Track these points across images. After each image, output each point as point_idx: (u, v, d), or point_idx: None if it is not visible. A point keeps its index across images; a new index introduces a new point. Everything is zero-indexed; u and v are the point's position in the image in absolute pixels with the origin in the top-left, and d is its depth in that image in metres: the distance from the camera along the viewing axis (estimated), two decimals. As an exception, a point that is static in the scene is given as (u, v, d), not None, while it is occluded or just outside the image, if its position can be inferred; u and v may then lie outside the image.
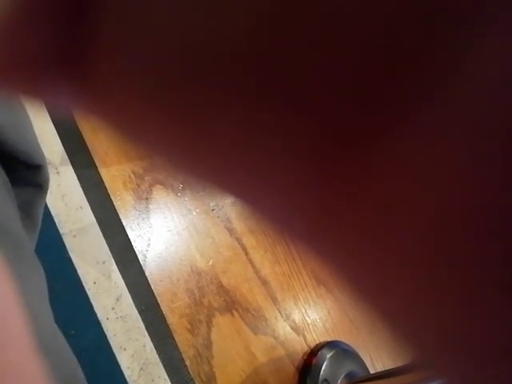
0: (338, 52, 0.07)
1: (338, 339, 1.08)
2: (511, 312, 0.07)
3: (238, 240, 1.04)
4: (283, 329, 1.04)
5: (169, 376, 0.87)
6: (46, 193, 0.44)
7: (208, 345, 0.93)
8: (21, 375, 0.18)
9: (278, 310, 1.05)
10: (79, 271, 0.84)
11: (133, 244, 0.92)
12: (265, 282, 1.05)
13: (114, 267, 0.88)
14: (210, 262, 0.99)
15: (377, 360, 1.13)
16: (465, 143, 0.06)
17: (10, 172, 0.39)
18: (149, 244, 0.94)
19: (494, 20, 0.06)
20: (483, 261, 0.07)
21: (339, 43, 0.07)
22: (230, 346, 0.95)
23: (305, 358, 1.03)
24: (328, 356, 1.00)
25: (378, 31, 0.07)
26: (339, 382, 0.98)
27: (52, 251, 0.82)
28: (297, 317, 1.07)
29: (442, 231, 0.07)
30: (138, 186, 0.96)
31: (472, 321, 0.07)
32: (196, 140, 0.09)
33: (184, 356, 0.90)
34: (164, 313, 0.91)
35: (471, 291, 0.07)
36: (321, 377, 0.97)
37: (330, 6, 0.07)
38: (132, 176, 0.96)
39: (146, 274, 0.91)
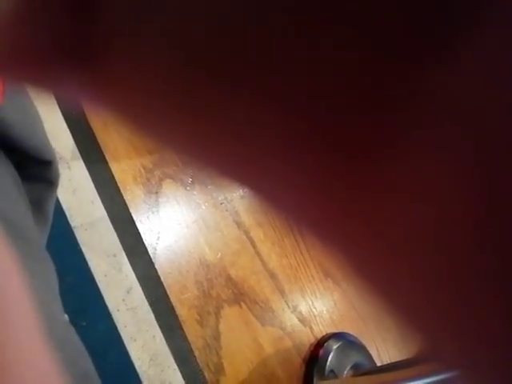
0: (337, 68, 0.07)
1: (344, 331, 1.08)
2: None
3: (246, 233, 1.04)
4: (290, 320, 1.05)
5: (178, 366, 0.88)
6: (56, 188, 0.44)
7: (216, 336, 0.94)
8: (32, 367, 0.19)
9: (285, 301, 1.05)
10: (90, 264, 0.85)
11: (143, 237, 0.92)
12: (272, 275, 1.05)
13: (125, 260, 0.89)
14: (219, 255, 1.00)
15: (383, 352, 1.12)
16: (456, 156, 0.07)
17: (20, 168, 0.39)
18: (158, 237, 0.94)
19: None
20: (480, 264, 0.07)
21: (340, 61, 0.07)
22: (238, 337, 0.96)
23: (311, 349, 1.03)
24: (334, 347, 1.00)
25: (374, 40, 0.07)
26: (345, 373, 0.98)
27: (63, 244, 0.83)
28: (304, 308, 1.07)
29: (441, 224, 0.07)
30: (148, 180, 0.96)
31: (484, 311, 0.07)
32: (207, 131, 0.09)
33: (193, 347, 0.91)
34: (173, 304, 0.91)
35: (476, 282, 0.07)
36: (327, 368, 0.96)
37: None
38: (142, 170, 0.96)
39: (156, 266, 0.92)
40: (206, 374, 0.90)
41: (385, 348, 1.12)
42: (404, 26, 0.07)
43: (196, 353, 0.90)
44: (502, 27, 0.06)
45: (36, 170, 0.41)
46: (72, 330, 0.35)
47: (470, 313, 0.07)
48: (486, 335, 0.07)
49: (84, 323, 0.79)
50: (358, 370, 0.98)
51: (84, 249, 0.85)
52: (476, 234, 0.07)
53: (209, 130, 0.09)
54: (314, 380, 0.97)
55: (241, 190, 1.05)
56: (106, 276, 0.86)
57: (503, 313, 0.07)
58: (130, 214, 0.92)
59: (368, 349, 1.06)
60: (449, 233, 0.07)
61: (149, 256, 0.92)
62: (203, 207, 1.02)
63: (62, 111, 0.89)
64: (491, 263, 0.07)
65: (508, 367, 0.07)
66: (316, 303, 1.09)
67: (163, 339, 0.88)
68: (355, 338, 1.06)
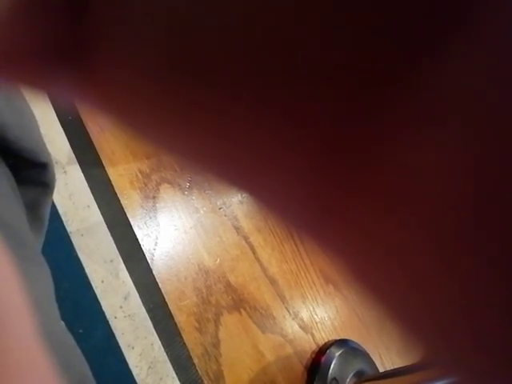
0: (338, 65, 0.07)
1: (346, 337, 1.08)
2: None
3: (246, 238, 1.04)
4: (291, 327, 1.04)
5: (177, 374, 0.88)
6: (52, 191, 0.44)
7: (216, 343, 0.93)
8: (29, 371, 0.18)
9: (286, 308, 1.05)
10: (87, 270, 0.84)
11: (140, 243, 0.92)
12: (272, 281, 1.05)
13: (122, 266, 0.88)
14: (218, 261, 0.99)
15: (386, 358, 1.12)
16: (464, 140, 0.06)
17: (16, 171, 0.39)
18: (156, 243, 0.94)
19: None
20: (482, 259, 0.07)
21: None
22: (238, 344, 0.95)
23: (313, 356, 1.03)
24: (337, 354, 0.99)
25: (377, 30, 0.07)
26: (348, 380, 0.98)
27: (59, 250, 0.83)
28: (305, 315, 1.07)
29: (440, 230, 0.07)
30: (145, 184, 0.96)
31: (483, 319, 0.07)
32: (205, 135, 0.09)
33: (192, 354, 0.90)
34: (172, 311, 0.91)
35: (474, 290, 0.07)
36: (330, 375, 0.96)
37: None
38: (139, 175, 0.96)
39: (154, 272, 0.91)
40: (205, 382, 0.90)
41: (388, 354, 1.12)
42: (404, 21, 0.06)
43: (195, 360, 0.90)
44: (501, 21, 0.06)
45: (31, 172, 0.41)
46: (69, 335, 0.35)
47: (470, 320, 0.07)
48: (486, 342, 0.07)
49: (80, 330, 0.78)
50: (362, 377, 0.98)
51: (80, 254, 0.84)
52: (477, 239, 0.07)
53: (207, 134, 0.09)
54: (316, 388, 0.96)
55: (239, 195, 1.05)
56: (102, 282, 0.85)
57: (502, 320, 0.07)
58: (127, 219, 0.92)
59: (371, 355, 1.06)
60: (449, 239, 0.07)
61: (146, 262, 0.91)
62: (201, 212, 1.01)
63: (57, 115, 0.89)
64: (492, 269, 0.07)
65: (507, 374, 0.07)
66: (317, 309, 1.09)
67: (161, 347, 0.88)
68: (358, 344, 1.06)
